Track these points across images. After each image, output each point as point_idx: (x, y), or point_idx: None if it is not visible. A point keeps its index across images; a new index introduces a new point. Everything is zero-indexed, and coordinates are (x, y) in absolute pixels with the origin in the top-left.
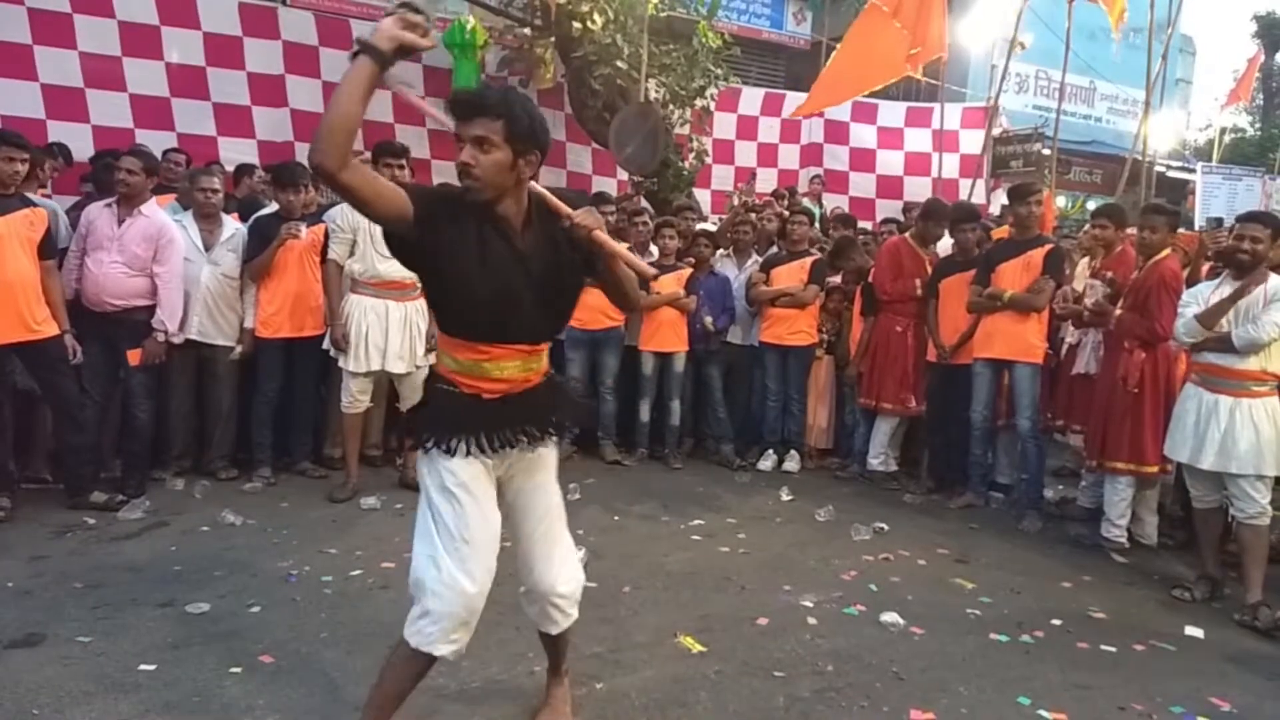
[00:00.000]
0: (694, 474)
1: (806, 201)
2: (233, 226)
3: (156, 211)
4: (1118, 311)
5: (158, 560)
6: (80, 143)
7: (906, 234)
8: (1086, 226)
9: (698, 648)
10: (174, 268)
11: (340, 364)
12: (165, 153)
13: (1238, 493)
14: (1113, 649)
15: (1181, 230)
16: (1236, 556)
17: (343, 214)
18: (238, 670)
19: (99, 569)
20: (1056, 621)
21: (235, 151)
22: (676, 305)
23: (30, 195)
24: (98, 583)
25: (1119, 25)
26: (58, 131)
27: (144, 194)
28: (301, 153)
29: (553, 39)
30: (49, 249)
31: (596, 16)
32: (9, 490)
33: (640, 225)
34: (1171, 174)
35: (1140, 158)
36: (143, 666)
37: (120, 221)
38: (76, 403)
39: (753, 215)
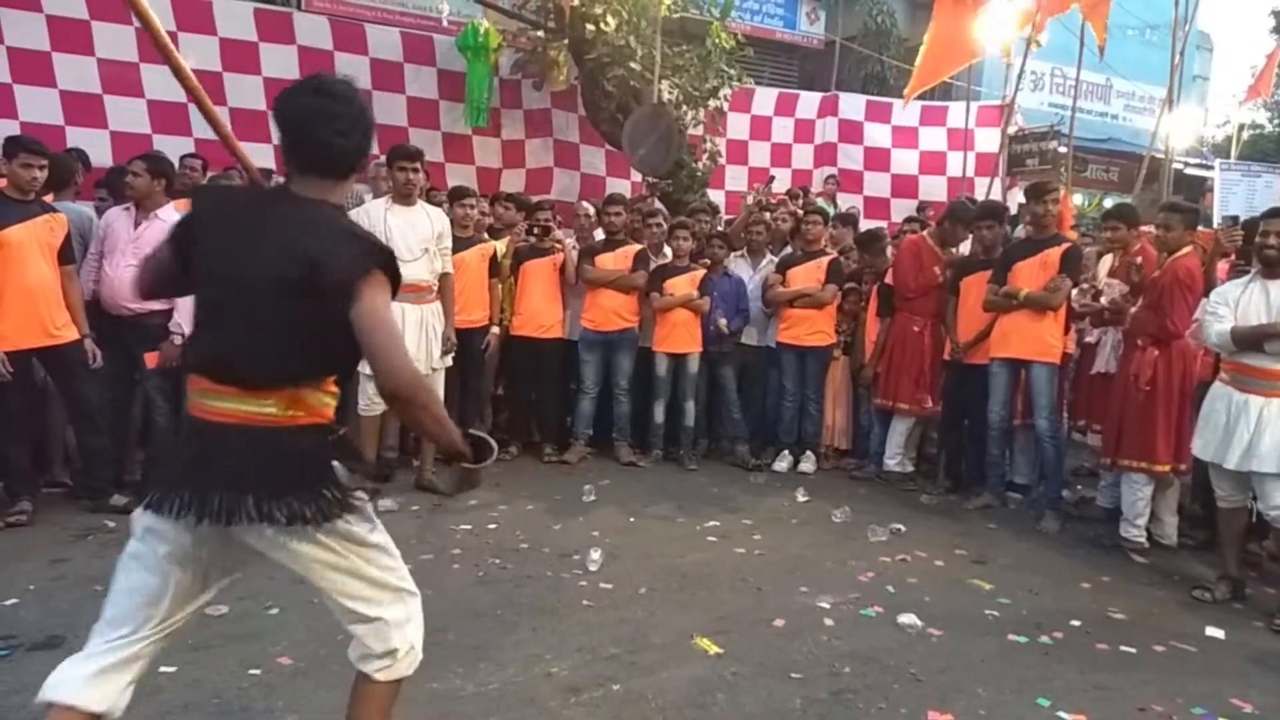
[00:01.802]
0: (709, 475)
1: (821, 201)
2: None
3: (173, 215)
4: (1133, 309)
5: None
6: (99, 149)
7: (925, 233)
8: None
9: (714, 649)
10: None
11: (357, 367)
12: (182, 158)
13: (1267, 491)
14: (1133, 650)
15: (1200, 228)
16: (1258, 556)
17: (359, 217)
18: (256, 672)
19: None
20: (1076, 622)
21: (252, 156)
22: (690, 306)
23: (69, 202)
24: None
25: (1102, 42)
26: (76, 137)
27: (155, 196)
28: None
29: (566, 41)
30: (69, 254)
31: (610, 18)
32: (30, 494)
33: (654, 226)
34: (1189, 171)
35: (1160, 155)
36: (163, 669)
37: (137, 225)
38: (96, 407)
39: (766, 215)
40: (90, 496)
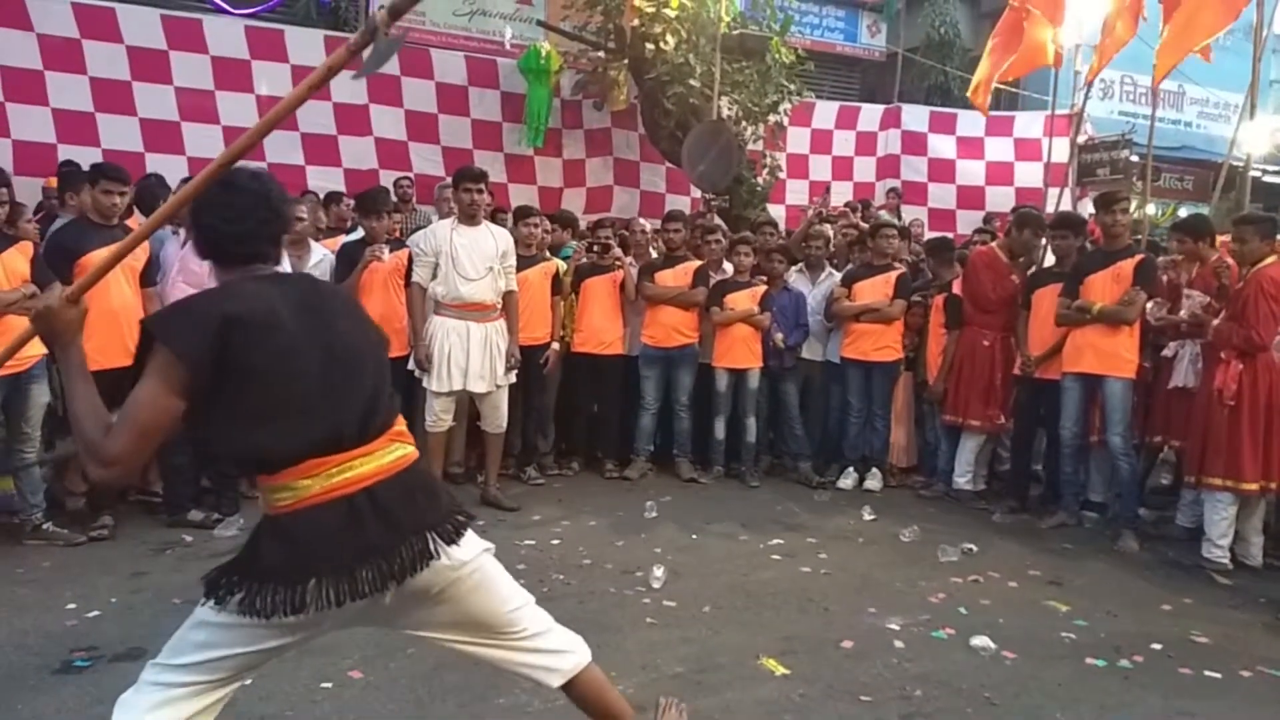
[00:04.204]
0: (772, 492)
1: (884, 214)
2: (320, 252)
3: None
4: (1215, 322)
5: None
6: (176, 173)
7: (995, 244)
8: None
9: (781, 670)
10: None
11: (424, 384)
12: None
13: None
14: (1218, 675)
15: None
16: None
17: (425, 238)
18: (329, 685)
19: (196, 585)
20: (1156, 646)
21: (322, 179)
22: (750, 322)
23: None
24: (195, 599)
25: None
26: (155, 163)
27: None
28: (386, 179)
29: (626, 61)
30: (150, 276)
31: (669, 37)
32: (111, 509)
33: (714, 243)
34: (1267, 179)
35: (1240, 163)
36: None
37: (185, 244)
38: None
39: (825, 227)
40: (169, 511)
